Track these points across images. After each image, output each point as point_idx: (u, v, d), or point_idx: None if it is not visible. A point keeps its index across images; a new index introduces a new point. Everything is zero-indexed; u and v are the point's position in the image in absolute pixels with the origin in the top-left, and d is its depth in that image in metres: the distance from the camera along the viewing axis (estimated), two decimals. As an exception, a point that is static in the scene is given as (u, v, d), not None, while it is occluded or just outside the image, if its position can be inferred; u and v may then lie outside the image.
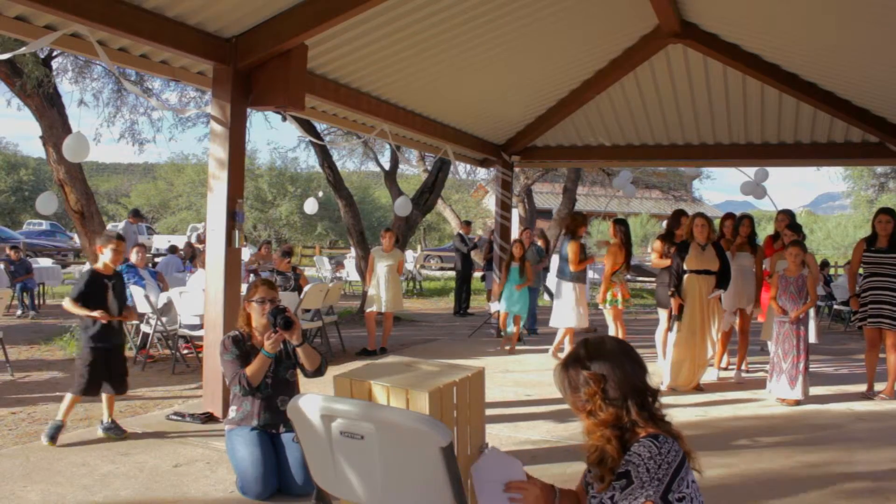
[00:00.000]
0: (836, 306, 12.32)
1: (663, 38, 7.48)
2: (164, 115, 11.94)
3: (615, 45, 7.85)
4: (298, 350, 3.77)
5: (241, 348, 3.83)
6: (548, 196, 32.95)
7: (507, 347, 8.51)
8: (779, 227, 7.45)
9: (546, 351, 8.19)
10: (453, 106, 8.33)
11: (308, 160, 47.29)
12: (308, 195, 17.40)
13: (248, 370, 3.72)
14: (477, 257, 14.22)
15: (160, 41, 4.69)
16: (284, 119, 6.81)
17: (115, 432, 4.61)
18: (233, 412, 3.89)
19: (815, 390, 6.35)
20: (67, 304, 4.56)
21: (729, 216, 7.46)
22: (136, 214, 13.00)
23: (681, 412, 5.63)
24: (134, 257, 7.94)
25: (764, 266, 7.31)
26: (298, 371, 3.96)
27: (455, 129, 9.00)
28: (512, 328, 8.64)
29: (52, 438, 4.43)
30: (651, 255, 8.44)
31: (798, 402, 5.98)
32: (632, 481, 1.76)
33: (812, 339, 6.67)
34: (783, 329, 6.08)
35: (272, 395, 3.84)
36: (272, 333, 3.66)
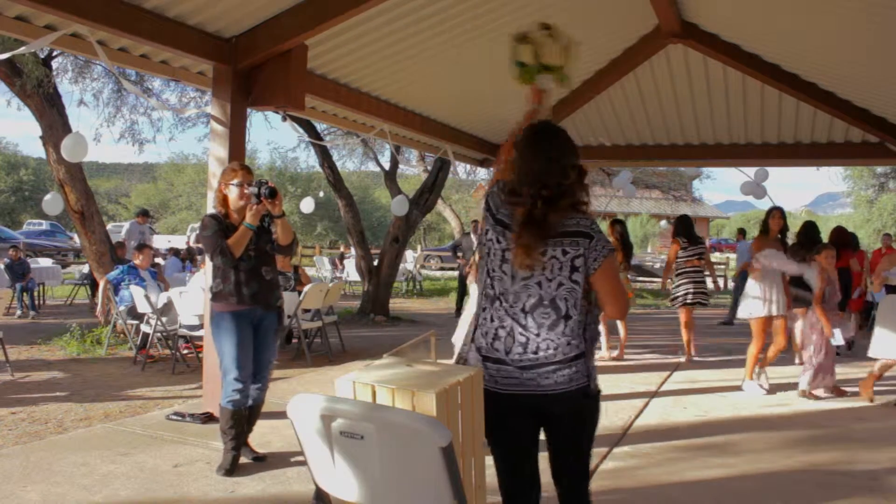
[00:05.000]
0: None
1: (663, 38, 7.46)
2: (164, 115, 11.94)
3: (615, 45, 7.85)
4: (277, 221, 3.89)
5: (221, 224, 3.91)
6: (548, 196, 32.88)
7: None
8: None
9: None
10: (453, 106, 8.32)
11: (308, 160, 47.38)
12: (308, 195, 17.39)
13: (230, 241, 3.81)
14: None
15: (160, 41, 4.69)
16: (284, 119, 6.80)
17: None
18: (218, 285, 3.94)
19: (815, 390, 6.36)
20: None
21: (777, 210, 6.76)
22: (144, 214, 13.04)
23: (681, 412, 5.64)
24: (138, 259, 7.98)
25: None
26: None
27: (455, 129, 8.99)
28: None
29: None
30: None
31: (805, 393, 6.19)
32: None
33: (838, 340, 6.46)
34: (812, 328, 6.25)
35: (255, 265, 3.94)
36: (254, 205, 3.77)
